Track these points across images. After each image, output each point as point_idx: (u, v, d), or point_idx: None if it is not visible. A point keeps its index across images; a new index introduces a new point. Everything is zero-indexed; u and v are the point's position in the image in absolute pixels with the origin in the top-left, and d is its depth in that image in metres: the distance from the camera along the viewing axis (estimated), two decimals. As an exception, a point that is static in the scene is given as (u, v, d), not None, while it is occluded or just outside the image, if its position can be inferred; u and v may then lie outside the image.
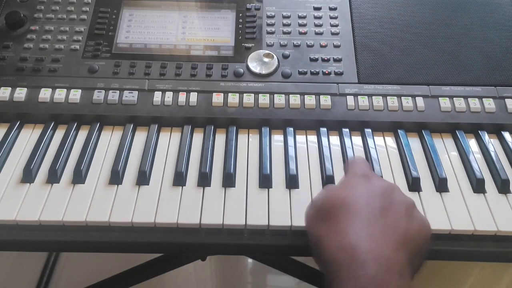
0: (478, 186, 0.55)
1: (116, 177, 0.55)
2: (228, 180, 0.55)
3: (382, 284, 0.36)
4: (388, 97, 0.63)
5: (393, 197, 0.43)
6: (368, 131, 0.61)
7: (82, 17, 0.70)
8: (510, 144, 0.61)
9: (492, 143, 0.61)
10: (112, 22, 0.70)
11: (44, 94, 0.62)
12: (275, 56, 0.66)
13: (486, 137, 0.61)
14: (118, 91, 0.63)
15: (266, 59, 0.66)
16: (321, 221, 0.42)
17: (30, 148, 0.58)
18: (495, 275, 0.69)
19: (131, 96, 0.62)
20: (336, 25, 0.70)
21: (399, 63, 0.66)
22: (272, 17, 0.71)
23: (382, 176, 0.56)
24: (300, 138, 0.61)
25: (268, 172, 0.56)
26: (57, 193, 0.54)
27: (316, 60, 0.66)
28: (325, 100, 0.62)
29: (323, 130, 0.61)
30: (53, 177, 0.55)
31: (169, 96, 0.62)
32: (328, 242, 0.40)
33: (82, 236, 0.51)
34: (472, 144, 0.61)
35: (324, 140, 0.60)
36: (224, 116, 0.62)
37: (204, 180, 0.55)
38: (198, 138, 0.61)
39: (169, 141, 0.61)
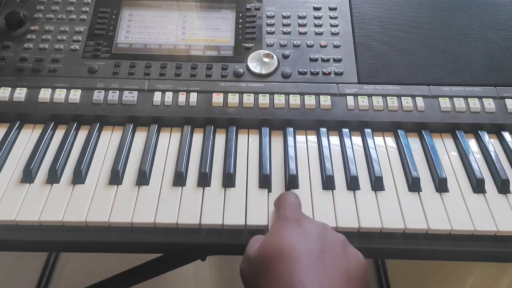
0: (478, 186, 0.55)
1: (116, 177, 0.55)
2: (228, 180, 0.55)
3: None
4: (388, 97, 0.63)
5: (327, 237, 0.42)
6: (368, 131, 0.61)
7: (82, 17, 0.70)
8: (510, 144, 0.61)
9: (492, 143, 0.61)
10: (112, 22, 0.70)
11: (44, 94, 0.62)
12: (275, 56, 0.66)
13: (486, 137, 0.61)
14: (118, 91, 0.63)
15: (266, 59, 0.66)
16: (259, 276, 0.39)
17: (30, 148, 0.58)
18: (495, 275, 0.69)
19: (131, 96, 0.62)
20: (336, 25, 0.70)
21: (399, 63, 0.66)
22: (272, 17, 0.71)
23: (382, 177, 0.56)
24: (300, 138, 0.61)
25: (268, 172, 0.56)
26: (57, 193, 0.54)
27: (316, 60, 0.66)
28: (325, 100, 0.62)
29: (323, 130, 0.61)
30: (53, 177, 0.55)
31: (169, 96, 0.62)
32: None
33: (82, 236, 0.51)
34: (472, 144, 0.61)
35: (324, 140, 0.60)
36: (224, 116, 0.62)
37: (204, 180, 0.55)
38: (198, 138, 0.61)
39: (169, 141, 0.61)
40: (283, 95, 0.63)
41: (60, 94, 0.62)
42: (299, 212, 0.47)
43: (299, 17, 0.71)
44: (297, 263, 0.38)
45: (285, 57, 0.67)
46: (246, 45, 0.68)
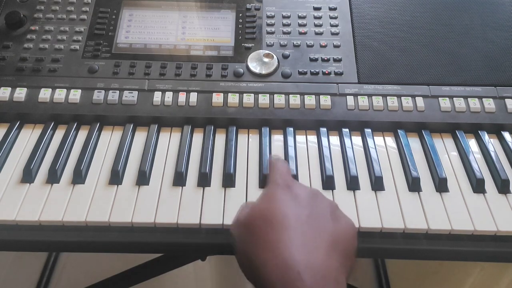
0: (478, 186, 0.55)
1: (116, 177, 0.55)
2: (228, 180, 0.55)
3: None
4: (388, 97, 0.63)
5: (317, 202, 0.43)
6: (368, 131, 0.61)
7: (82, 17, 0.70)
8: (510, 144, 0.61)
9: (492, 143, 0.61)
10: (112, 22, 0.70)
11: (44, 94, 0.62)
12: (275, 56, 0.66)
13: (486, 137, 0.61)
14: (118, 91, 0.63)
15: (266, 59, 0.66)
16: (249, 240, 0.40)
17: (30, 148, 0.58)
18: (495, 275, 0.69)
19: (131, 96, 0.62)
20: (336, 25, 0.70)
21: (399, 63, 0.66)
22: (272, 17, 0.71)
23: (382, 177, 0.56)
24: (300, 138, 0.61)
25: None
26: (57, 193, 0.54)
27: (316, 60, 0.66)
28: (325, 100, 0.62)
29: (323, 130, 0.61)
30: (53, 177, 0.55)
31: (169, 96, 0.62)
32: (259, 261, 0.38)
33: (82, 236, 0.51)
34: (472, 144, 0.61)
35: (324, 140, 0.60)
36: (224, 116, 0.62)
37: (204, 180, 0.55)
38: (198, 138, 0.61)
39: (169, 141, 0.61)
40: (283, 95, 0.63)
41: (60, 94, 0.62)
42: (289, 178, 0.47)
43: (299, 17, 0.71)
44: (284, 227, 0.39)
45: (285, 57, 0.67)
46: (246, 45, 0.68)
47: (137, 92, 0.63)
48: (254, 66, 0.65)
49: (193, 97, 0.62)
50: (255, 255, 0.38)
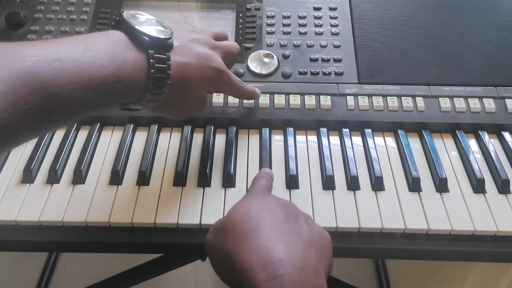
0: (478, 186, 0.55)
1: (116, 177, 0.55)
2: (228, 181, 0.55)
3: (301, 281, 0.35)
4: (388, 97, 0.63)
5: (291, 207, 0.43)
6: (368, 131, 0.61)
7: (82, 17, 0.70)
8: (510, 144, 0.61)
9: (492, 143, 0.61)
10: (112, 23, 0.70)
11: (44, 94, 0.62)
12: (275, 56, 0.66)
13: (486, 137, 0.61)
14: (118, 91, 0.62)
15: (266, 59, 0.66)
16: (226, 237, 0.40)
17: (31, 148, 0.58)
18: (495, 275, 0.69)
19: (131, 96, 0.62)
20: (336, 25, 0.70)
21: (399, 63, 0.66)
22: (272, 17, 0.71)
23: (382, 177, 0.56)
24: (300, 138, 0.61)
25: (268, 172, 0.56)
26: (57, 193, 0.54)
27: (316, 60, 0.66)
28: (325, 100, 0.62)
29: (323, 130, 0.61)
30: (53, 177, 0.55)
31: (169, 96, 0.62)
32: (239, 250, 0.38)
33: (82, 236, 0.51)
34: (472, 144, 0.61)
35: (324, 140, 0.60)
36: (224, 116, 0.62)
37: (204, 180, 0.55)
38: (198, 138, 0.61)
39: (169, 141, 0.61)
40: (283, 95, 0.63)
41: (60, 94, 0.62)
42: (267, 191, 0.48)
43: (299, 17, 0.71)
44: (262, 222, 0.40)
45: (285, 57, 0.67)
46: (246, 45, 0.68)
47: (137, 92, 0.63)
48: (254, 66, 0.65)
49: (193, 97, 0.62)
50: (235, 246, 0.38)
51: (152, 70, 0.41)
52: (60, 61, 0.35)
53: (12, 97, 0.33)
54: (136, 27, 0.41)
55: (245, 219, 0.40)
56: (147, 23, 0.43)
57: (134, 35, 0.41)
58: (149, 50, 0.41)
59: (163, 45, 0.43)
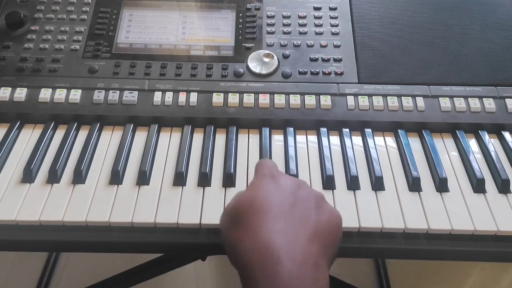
0: (478, 186, 0.55)
1: (116, 177, 0.55)
2: (228, 180, 0.55)
3: (298, 277, 0.36)
4: (388, 97, 0.63)
5: (301, 192, 0.44)
6: (368, 131, 0.61)
7: (82, 17, 0.70)
8: (510, 144, 0.61)
9: (492, 143, 0.61)
10: (112, 22, 0.70)
11: (44, 94, 0.62)
12: (275, 56, 0.66)
13: (486, 137, 0.61)
14: (118, 91, 0.63)
15: (266, 59, 0.66)
16: (233, 226, 0.41)
17: (30, 148, 0.58)
18: (495, 275, 0.69)
19: (131, 96, 0.62)
20: (336, 25, 0.70)
21: (399, 63, 0.66)
22: (272, 17, 0.71)
23: (382, 177, 0.56)
24: (300, 138, 0.61)
25: (268, 172, 0.56)
26: (57, 193, 0.54)
27: (316, 60, 0.66)
28: (325, 100, 0.62)
29: (323, 130, 0.61)
30: (53, 177, 0.55)
31: (169, 96, 0.62)
32: (240, 245, 0.39)
33: (82, 236, 0.51)
34: (472, 144, 0.61)
35: (324, 140, 0.60)
36: (224, 116, 0.62)
37: (204, 180, 0.55)
38: (198, 138, 0.61)
39: (169, 141, 0.61)
40: (283, 95, 0.63)
41: (60, 94, 0.62)
42: (276, 169, 0.48)
43: (299, 17, 0.71)
44: (267, 213, 0.40)
45: (285, 57, 0.67)
46: (246, 45, 0.68)
47: (137, 92, 0.63)
48: (254, 66, 0.65)
49: (193, 97, 0.62)
50: (238, 239, 0.40)
51: None
52: None
53: None
54: None
55: (251, 210, 0.41)
56: None
57: None
58: None
59: None
